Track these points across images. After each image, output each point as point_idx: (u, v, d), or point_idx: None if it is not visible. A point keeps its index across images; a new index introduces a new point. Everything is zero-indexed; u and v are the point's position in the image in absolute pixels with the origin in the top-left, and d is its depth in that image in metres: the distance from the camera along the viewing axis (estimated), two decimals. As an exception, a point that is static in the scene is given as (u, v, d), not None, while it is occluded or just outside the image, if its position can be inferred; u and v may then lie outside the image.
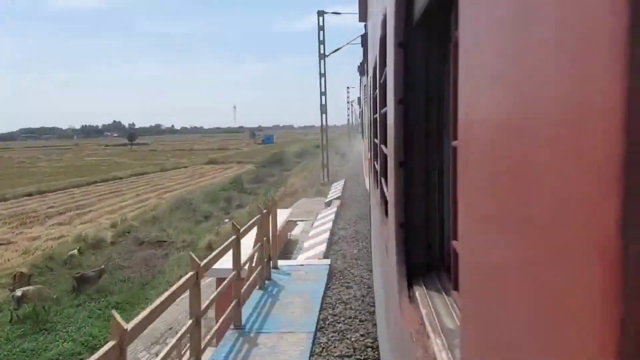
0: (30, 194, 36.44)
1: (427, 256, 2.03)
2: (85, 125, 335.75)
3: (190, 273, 4.71)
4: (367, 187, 11.61)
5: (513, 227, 0.61)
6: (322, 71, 25.87)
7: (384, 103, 3.02)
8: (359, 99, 32.53)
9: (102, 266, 16.21)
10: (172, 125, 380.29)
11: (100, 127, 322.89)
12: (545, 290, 0.51)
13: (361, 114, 25.24)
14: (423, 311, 1.61)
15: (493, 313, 0.72)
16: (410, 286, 1.92)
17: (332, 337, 6.93)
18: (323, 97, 26.27)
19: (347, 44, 23.97)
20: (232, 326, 6.53)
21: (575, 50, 0.44)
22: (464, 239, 0.93)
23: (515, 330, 0.61)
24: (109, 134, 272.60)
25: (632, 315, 0.37)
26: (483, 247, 0.78)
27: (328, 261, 10.12)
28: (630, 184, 0.36)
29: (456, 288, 1.41)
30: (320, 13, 24.79)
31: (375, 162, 5.21)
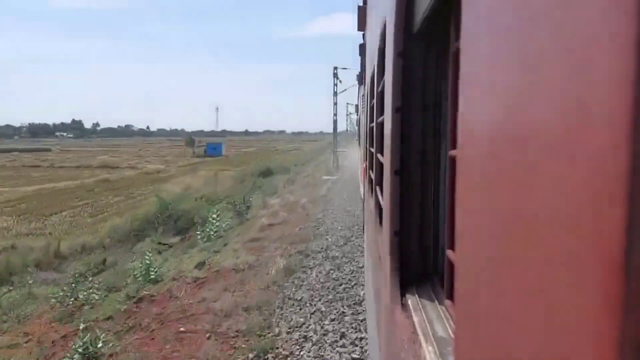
0: None
1: (421, 265, 2.03)
2: (33, 123, 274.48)
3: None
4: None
5: (511, 236, 0.62)
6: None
7: (380, 112, 3.03)
8: (357, 106, 32.60)
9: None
10: (148, 127, 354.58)
11: (51, 126, 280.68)
12: (542, 301, 0.51)
13: (358, 122, 25.48)
14: (416, 319, 1.61)
15: (488, 322, 0.72)
16: (403, 294, 1.92)
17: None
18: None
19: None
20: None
21: (579, 58, 0.44)
22: (459, 248, 0.93)
23: (510, 340, 0.62)
24: (64, 134, 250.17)
25: (633, 327, 0.37)
26: (479, 257, 0.78)
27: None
28: (635, 192, 0.36)
29: (449, 297, 1.41)
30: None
31: (370, 171, 5.22)
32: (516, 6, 0.61)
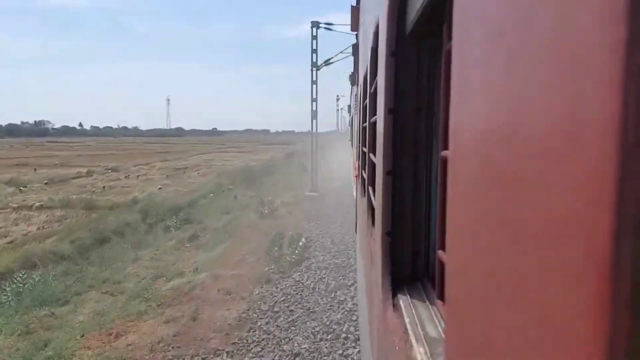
0: None
1: (412, 265, 2.03)
2: None
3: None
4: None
5: (501, 238, 0.62)
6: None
7: (373, 112, 3.03)
8: (349, 106, 32.10)
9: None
10: (80, 124, 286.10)
11: None
12: (533, 302, 0.51)
13: (351, 122, 25.33)
14: (407, 320, 1.61)
15: (478, 323, 0.72)
16: (394, 295, 1.92)
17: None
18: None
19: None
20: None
21: (570, 63, 0.44)
22: (450, 248, 0.93)
23: (501, 341, 0.62)
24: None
25: (622, 329, 0.37)
26: (470, 258, 0.78)
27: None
28: (624, 194, 0.37)
29: (440, 298, 1.41)
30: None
31: (363, 171, 5.23)
32: (508, 8, 0.61)
